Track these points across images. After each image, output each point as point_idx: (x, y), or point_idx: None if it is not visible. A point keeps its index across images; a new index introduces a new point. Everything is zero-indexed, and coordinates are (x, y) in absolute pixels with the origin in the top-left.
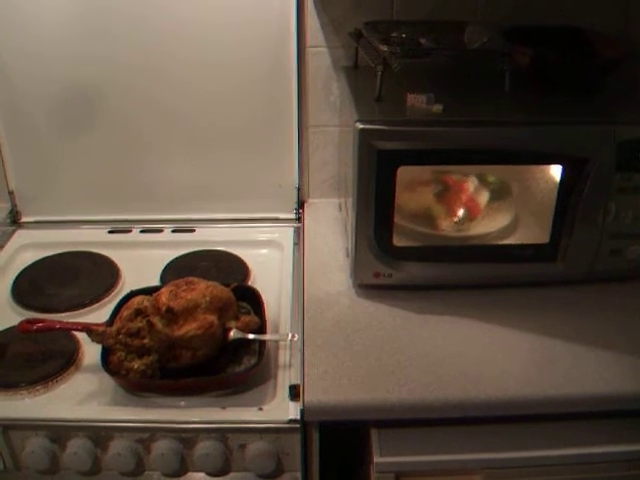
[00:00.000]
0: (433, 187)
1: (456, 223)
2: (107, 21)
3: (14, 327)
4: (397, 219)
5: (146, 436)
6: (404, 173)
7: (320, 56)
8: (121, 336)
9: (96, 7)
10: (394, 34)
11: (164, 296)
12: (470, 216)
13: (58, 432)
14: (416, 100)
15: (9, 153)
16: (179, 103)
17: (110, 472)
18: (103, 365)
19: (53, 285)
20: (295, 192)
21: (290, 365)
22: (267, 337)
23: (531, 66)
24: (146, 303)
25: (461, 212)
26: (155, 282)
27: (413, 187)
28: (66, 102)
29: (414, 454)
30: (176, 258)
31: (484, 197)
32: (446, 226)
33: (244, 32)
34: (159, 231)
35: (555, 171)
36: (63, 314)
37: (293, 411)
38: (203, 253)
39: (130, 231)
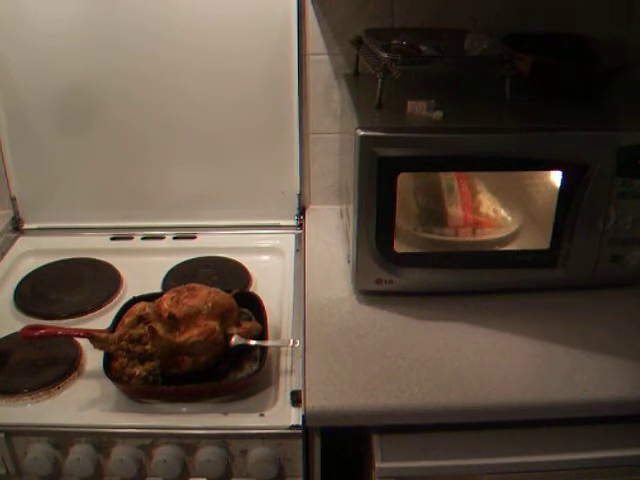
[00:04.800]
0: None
1: (462, 230)
2: (110, 31)
3: (16, 333)
4: (399, 224)
5: (148, 442)
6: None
7: (321, 63)
8: (123, 342)
9: (99, 18)
10: (394, 41)
11: (166, 302)
12: (478, 226)
13: (60, 438)
14: (417, 107)
15: (11, 160)
16: (181, 111)
17: (112, 478)
18: (105, 371)
19: (55, 292)
20: (296, 199)
21: (291, 371)
22: (268, 343)
23: (531, 73)
24: (148, 309)
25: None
26: (157, 289)
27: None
28: (68, 110)
29: (416, 459)
30: (178, 265)
31: (489, 205)
32: (449, 233)
33: (245, 41)
34: (161, 238)
35: (555, 177)
36: (65, 321)
37: (295, 417)
38: (205, 260)
39: (132, 238)
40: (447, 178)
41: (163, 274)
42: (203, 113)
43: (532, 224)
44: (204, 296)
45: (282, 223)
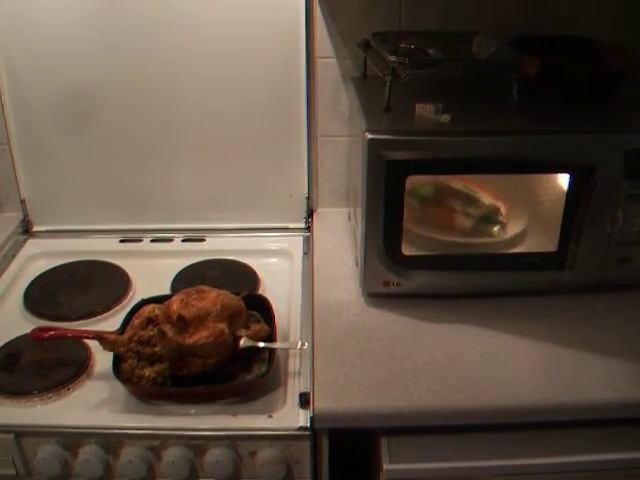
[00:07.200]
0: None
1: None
2: (120, 39)
3: (26, 335)
4: (407, 225)
5: (157, 443)
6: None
7: (329, 67)
8: (132, 344)
9: (108, 26)
10: (402, 44)
11: (175, 304)
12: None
13: (70, 439)
14: (424, 110)
15: (21, 163)
16: (190, 115)
17: (122, 479)
18: (114, 373)
19: (65, 294)
20: (305, 201)
21: (300, 373)
22: (277, 345)
23: (538, 75)
24: (157, 311)
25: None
26: (166, 291)
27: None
28: (77, 114)
29: (423, 461)
30: (186, 267)
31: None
32: (458, 235)
33: (254, 45)
34: (169, 240)
35: (563, 180)
36: (75, 322)
37: (303, 418)
38: (213, 262)
39: (141, 240)
40: (457, 182)
41: (172, 276)
42: (212, 116)
43: (539, 226)
44: (213, 298)
45: (290, 226)
